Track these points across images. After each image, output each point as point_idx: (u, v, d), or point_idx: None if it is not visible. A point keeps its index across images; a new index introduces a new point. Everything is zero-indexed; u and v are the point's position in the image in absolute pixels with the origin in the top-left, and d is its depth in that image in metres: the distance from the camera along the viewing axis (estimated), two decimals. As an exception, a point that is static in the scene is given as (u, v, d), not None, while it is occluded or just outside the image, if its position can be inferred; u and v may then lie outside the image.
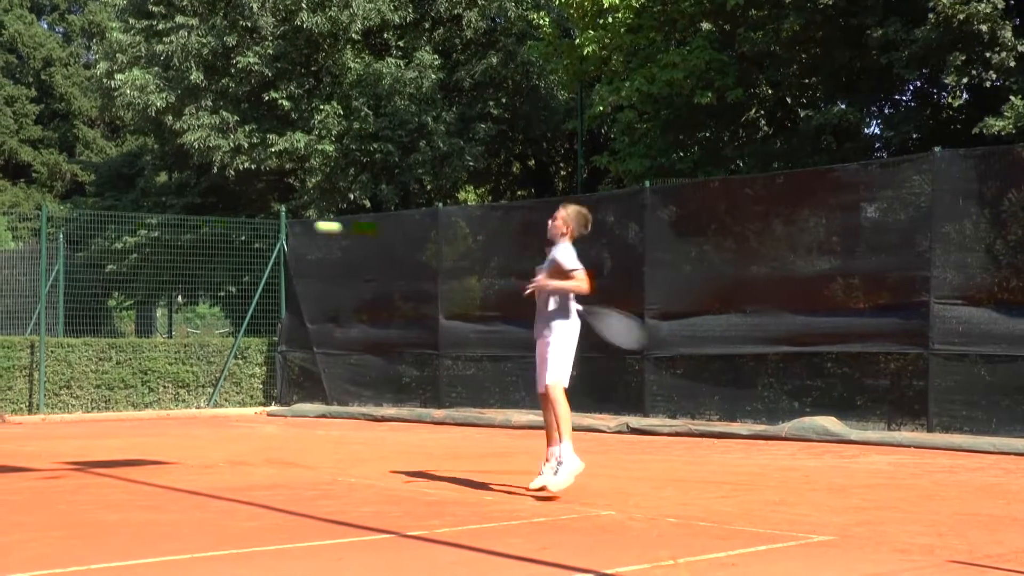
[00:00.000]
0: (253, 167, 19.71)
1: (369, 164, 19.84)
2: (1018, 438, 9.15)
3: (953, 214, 9.92)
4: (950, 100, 14.97)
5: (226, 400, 15.50)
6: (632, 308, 11.83)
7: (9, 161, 38.73)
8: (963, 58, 12.46)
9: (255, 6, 18.99)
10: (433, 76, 19.71)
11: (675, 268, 11.83)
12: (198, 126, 19.23)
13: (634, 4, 15.65)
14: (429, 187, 20.78)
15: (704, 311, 11.55)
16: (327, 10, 19.14)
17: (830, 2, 13.50)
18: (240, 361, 15.68)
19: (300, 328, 15.36)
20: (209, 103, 19.55)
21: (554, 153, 24.51)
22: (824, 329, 10.66)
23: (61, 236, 15.44)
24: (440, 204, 16.87)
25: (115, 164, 30.29)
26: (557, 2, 17.38)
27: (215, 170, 20.07)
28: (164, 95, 19.34)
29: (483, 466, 7.90)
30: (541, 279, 6.55)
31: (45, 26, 42.09)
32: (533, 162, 24.71)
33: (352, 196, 19.72)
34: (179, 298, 21.88)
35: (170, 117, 19.76)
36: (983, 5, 12.08)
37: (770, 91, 15.94)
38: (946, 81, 13.07)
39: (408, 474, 7.61)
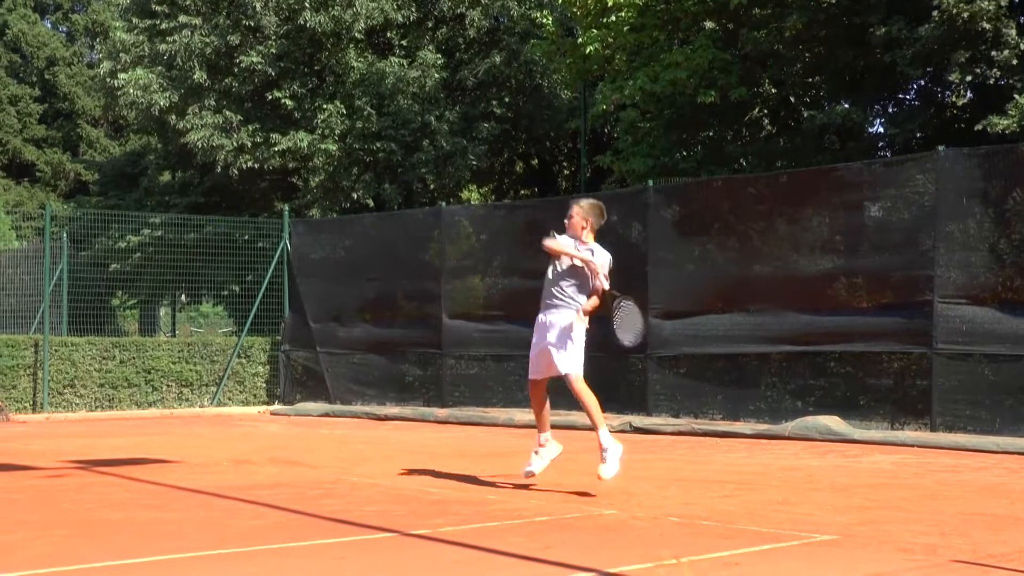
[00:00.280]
0: (256, 166, 19.72)
1: (372, 163, 19.84)
2: (1022, 437, 9.13)
3: (957, 213, 9.90)
4: (954, 99, 14.95)
5: (229, 399, 15.51)
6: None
7: (13, 160, 38.79)
8: (967, 56, 12.44)
9: (258, 5, 19.00)
10: (436, 75, 19.71)
11: (678, 267, 11.82)
12: (201, 125, 19.24)
13: (637, 3, 15.63)
14: (432, 186, 20.78)
15: (707, 310, 11.54)
16: (330, 9, 19.15)
17: (833, 0, 13.48)
18: (243, 360, 15.69)
19: (303, 327, 15.37)
20: (212, 102, 19.57)
21: (557, 152, 24.50)
22: (827, 328, 10.64)
23: (65, 235, 15.45)
24: (443, 203, 16.87)
25: (119, 163, 30.32)
26: (560, 1, 17.37)
27: (218, 169, 20.08)
28: (167, 94, 19.36)
29: (486, 465, 7.90)
30: (599, 268, 6.38)
31: (49, 25, 42.15)
32: (536, 161, 24.70)
33: (355, 195, 19.73)
34: (182, 297, 21.90)
35: (173, 116, 19.78)
36: (987, 3, 12.05)
37: (773, 90, 15.92)
38: (950, 79, 13.06)
39: (411, 473, 7.61)
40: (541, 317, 6.62)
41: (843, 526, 5.27)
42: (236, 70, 19.40)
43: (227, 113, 19.41)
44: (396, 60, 19.78)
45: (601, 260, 6.48)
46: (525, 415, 12.03)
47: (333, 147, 19.26)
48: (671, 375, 11.73)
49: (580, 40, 16.64)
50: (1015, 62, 12.30)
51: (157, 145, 25.64)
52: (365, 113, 19.34)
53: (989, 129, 12.21)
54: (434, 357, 14.07)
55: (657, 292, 11.76)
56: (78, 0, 42.44)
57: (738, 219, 11.51)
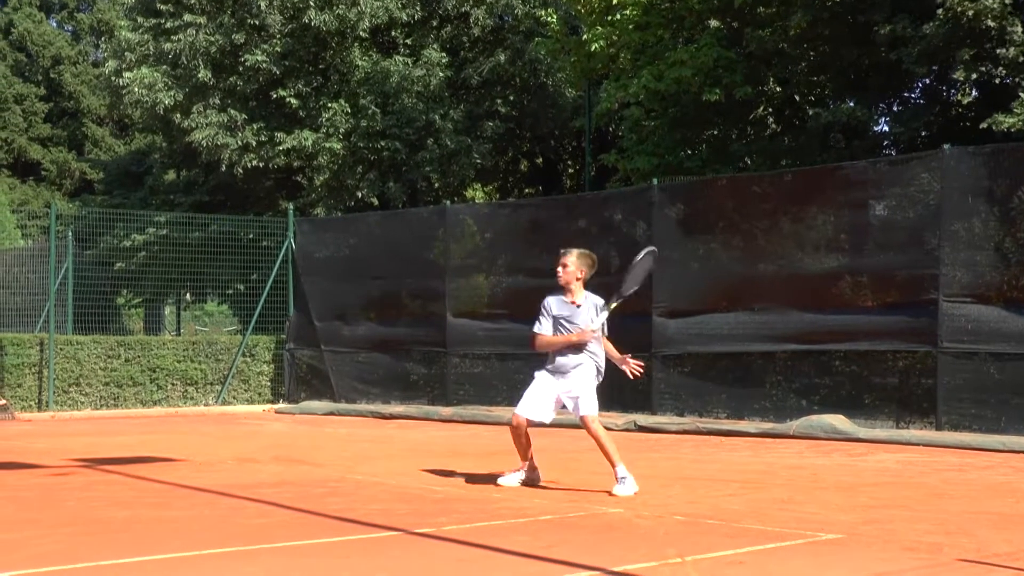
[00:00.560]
0: (261, 165, 19.74)
1: (377, 162, 19.85)
2: (1027, 436, 9.11)
3: (962, 212, 9.88)
4: (959, 97, 14.92)
5: (234, 398, 15.53)
6: (640, 306, 11.88)
7: (18, 159, 38.87)
8: (972, 54, 12.41)
9: (263, 4, 19.02)
10: (441, 74, 19.71)
11: (683, 266, 11.81)
12: (206, 124, 19.27)
13: (642, 1, 15.62)
14: (437, 185, 20.79)
15: (712, 309, 11.53)
16: (335, 8, 19.16)
17: (838, -1, 13.47)
18: (248, 359, 15.71)
19: (308, 326, 15.38)
20: (217, 101, 19.59)
21: (562, 151, 24.50)
22: (832, 327, 10.63)
23: (70, 234, 15.48)
24: (448, 202, 16.87)
25: (123, 162, 30.39)
26: (564, -1, 17.38)
27: (223, 168, 20.11)
28: (172, 93, 19.38)
29: (490, 464, 7.90)
30: (589, 328, 6.52)
31: (54, 24, 42.23)
32: (541, 160, 24.70)
33: (360, 194, 19.74)
34: (187, 296, 21.93)
35: (178, 115, 19.81)
36: (991, 0, 12.02)
37: (778, 88, 15.90)
38: (955, 77, 13.03)
39: (415, 472, 7.61)
40: (558, 367, 6.61)
41: (848, 525, 5.27)
42: (241, 69, 19.42)
43: (232, 112, 19.43)
44: (400, 59, 19.79)
45: (592, 317, 6.55)
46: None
47: (337, 146, 19.27)
48: (676, 374, 11.72)
49: (584, 38, 16.63)
50: (1021, 60, 12.26)
51: (162, 144, 25.68)
52: (370, 112, 19.35)
53: (994, 127, 12.18)
54: (438, 356, 14.07)
55: (661, 291, 11.75)
56: (83, -1, 42.54)
57: (743, 218, 11.49)
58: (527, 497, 6.32)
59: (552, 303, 6.66)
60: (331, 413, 14.33)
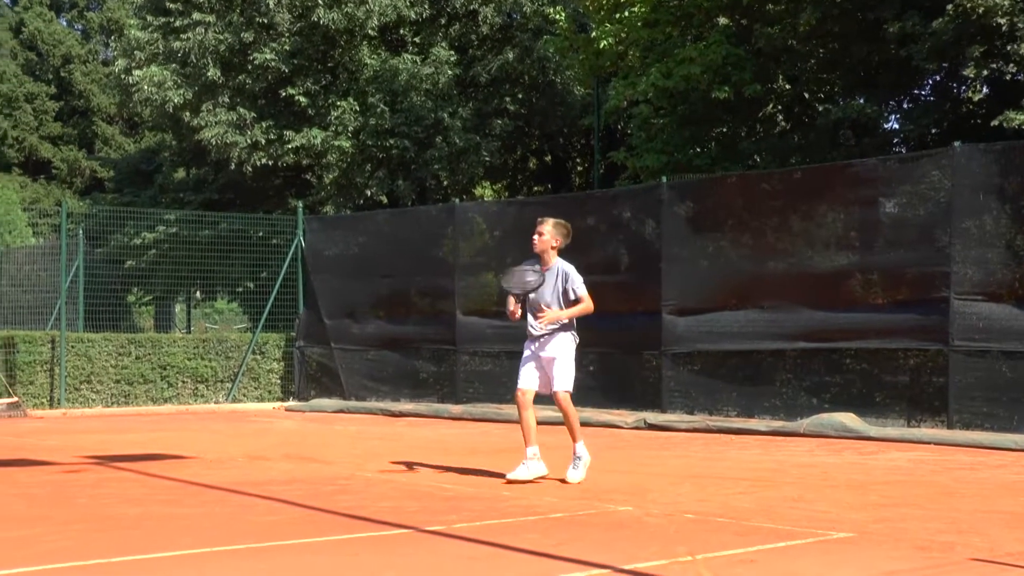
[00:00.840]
0: (270, 163, 19.78)
1: (385, 160, 19.87)
2: (1039, 435, 9.08)
3: (973, 209, 9.84)
4: (969, 94, 14.86)
5: (244, 395, 15.57)
6: (649, 304, 11.87)
7: (29, 157, 39.02)
8: (982, 51, 12.36)
9: (271, 3, 19.04)
10: (449, 72, 19.71)
11: (692, 264, 11.79)
12: (215, 122, 19.31)
13: (651, -2, 15.61)
14: (446, 183, 20.80)
15: (721, 307, 11.51)
16: (343, 6, 19.17)
17: (848, -4, 13.43)
18: (258, 356, 15.74)
19: (318, 324, 15.41)
20: (226, 99, 19.63)
21: (570, 149, 24.48)
22: (843, 325, 10.60)
23: (81, 232, 15.53)
24: (457, 200, 16.87)
25: (134, 160, 30.48)
26: (573, -3, 17.36)
27: (232, 166, 20.14)
28: (181, 92, 19.43)
29: (500, 461, 7.90)
30: (556, 313, 6.72)
31: (64, 23, 42.37)
32: (549, 158, 24.68)
33: (369, 192, 19.76)
34: (197, 294, 21.99)
35: (187, 113, 19.85)
36: (1003, -2, 11.97)
37: (787, 86, 15.86)
38: (965, 74, 12.97)
39: (425, 469, 7.62)
40: (531, 341, 6.84)
41: (859, 523, 5.25)
42: (250, 67, 19.45)
43: (241, 110, 19.47)
44: (409, 57, 19.79)
45: (575, 285, 6.74)
46: (539, 412, 12.02)
47: (347, 144, 19.29)
48: (685, 372, 11.71)
49: (593, 36, 16.61)
50: (1032, 57, 12.22)
51: (172, 142, 25.74)
52: (378, 110, 19.36)
53: (1005, 124, 12.13)
54: (448, 353, 14.08)
55: (671, 288, 11.74)
56: (93, -2, 42.66)
57: (752, 215, 11.47)
58: (537, 495, 6.32)
59: (525, 268, 6.89)
60: (341, 411, 14.36)
